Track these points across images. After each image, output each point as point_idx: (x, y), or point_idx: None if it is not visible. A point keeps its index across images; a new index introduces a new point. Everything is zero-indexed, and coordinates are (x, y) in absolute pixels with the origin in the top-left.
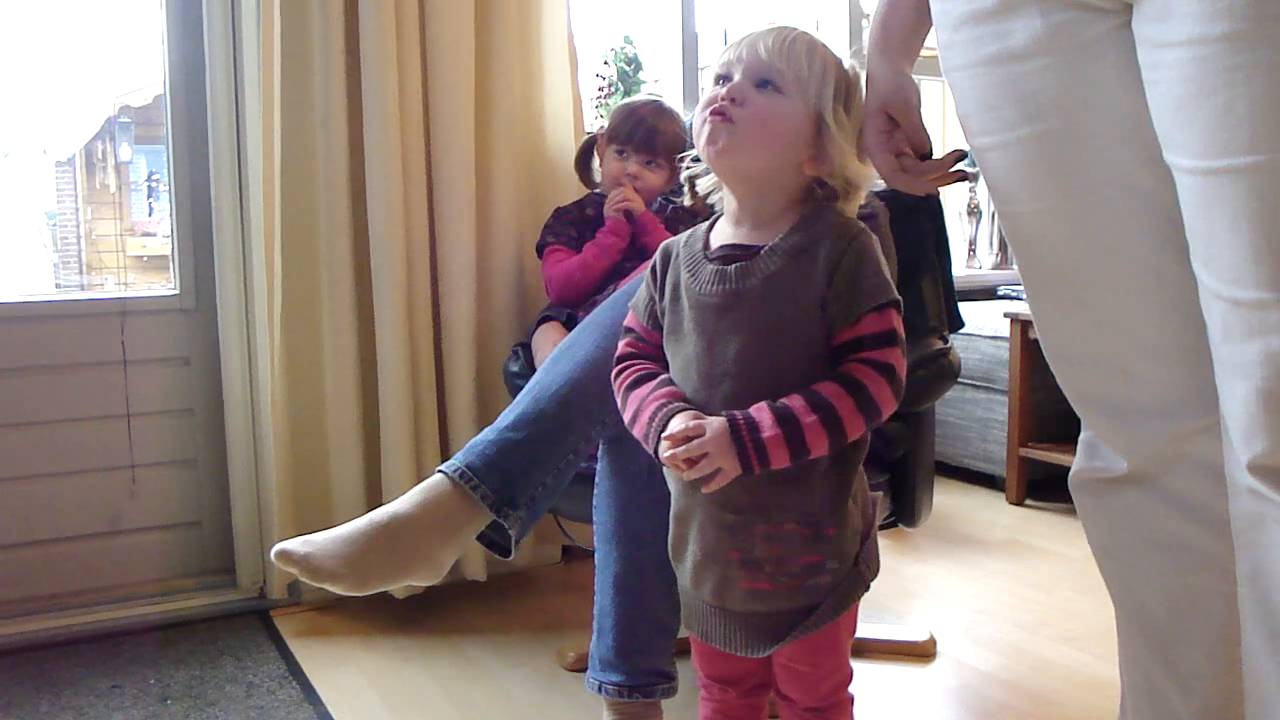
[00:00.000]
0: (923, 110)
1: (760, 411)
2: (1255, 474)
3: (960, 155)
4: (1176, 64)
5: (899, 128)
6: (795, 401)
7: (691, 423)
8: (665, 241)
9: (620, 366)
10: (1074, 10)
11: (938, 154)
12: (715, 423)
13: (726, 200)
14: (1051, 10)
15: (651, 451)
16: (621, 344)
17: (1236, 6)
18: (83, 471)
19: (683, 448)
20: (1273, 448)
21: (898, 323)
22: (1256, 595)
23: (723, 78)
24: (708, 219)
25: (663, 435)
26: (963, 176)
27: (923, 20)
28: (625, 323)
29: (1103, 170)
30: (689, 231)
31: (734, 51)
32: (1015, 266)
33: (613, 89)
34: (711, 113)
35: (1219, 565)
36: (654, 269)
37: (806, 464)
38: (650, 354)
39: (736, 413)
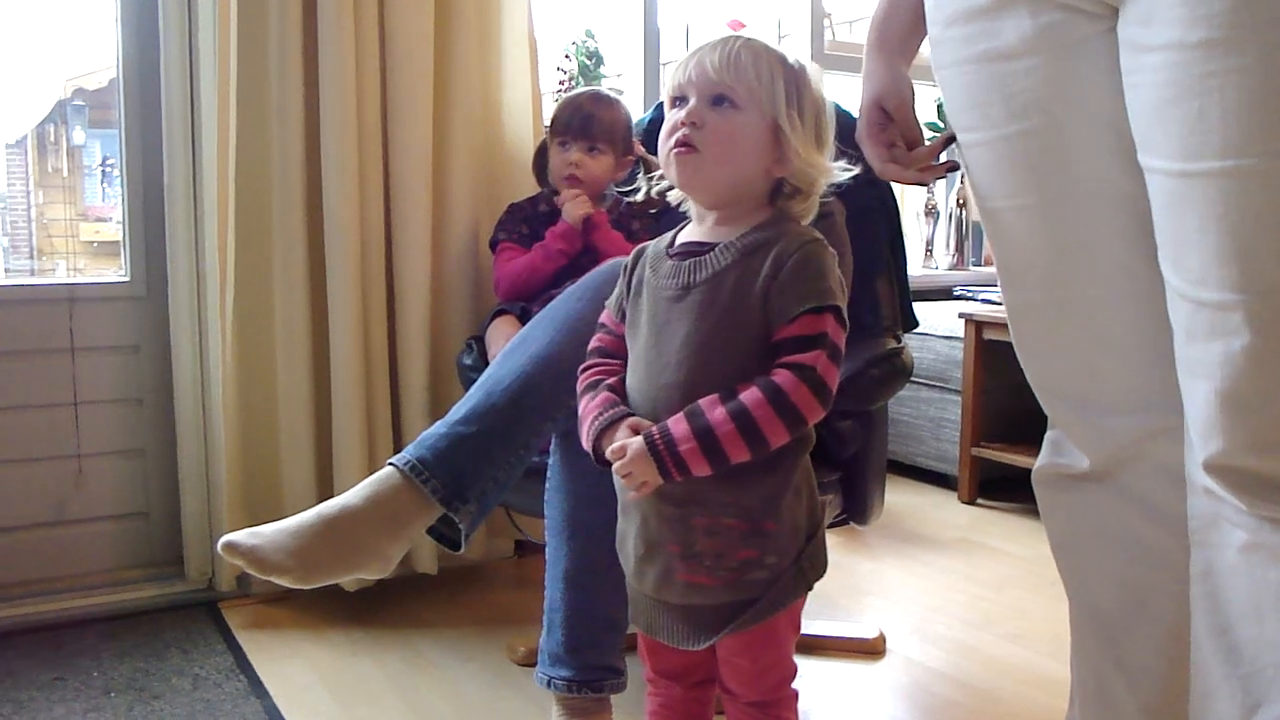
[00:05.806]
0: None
1: (677, 424)
2: (1211, 473)
3: (951, 138)
4: (1155, 68)
5: (893, 122)
6: (714, 411)
7: (618, 444)
8: (641, 244)
9: (586, 365)
10: (1063, 12)
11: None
12: (635, 442)
13: (693, 203)
14: (1041, 11)
15: (595, 460)
16: (594, 339)
17: (1215, 15)
18: (28, 460)
19: (615, 466)
20: (1228, 448)
21: (833, 328)
22: (1207, 591)
23: (678, 100)
24: (660, 211)
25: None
26: (953, 167)
27: (919, 22)
28: (600, 318)
29: (1082, 170)
30: (664, 235)
31: (683, 72)
32: (971, 266)
33: (574, 83)
34: (676, 144)
35: (1172, 564)
36: (626, 265)
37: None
38: (619, 348)
39: (654, 429)
